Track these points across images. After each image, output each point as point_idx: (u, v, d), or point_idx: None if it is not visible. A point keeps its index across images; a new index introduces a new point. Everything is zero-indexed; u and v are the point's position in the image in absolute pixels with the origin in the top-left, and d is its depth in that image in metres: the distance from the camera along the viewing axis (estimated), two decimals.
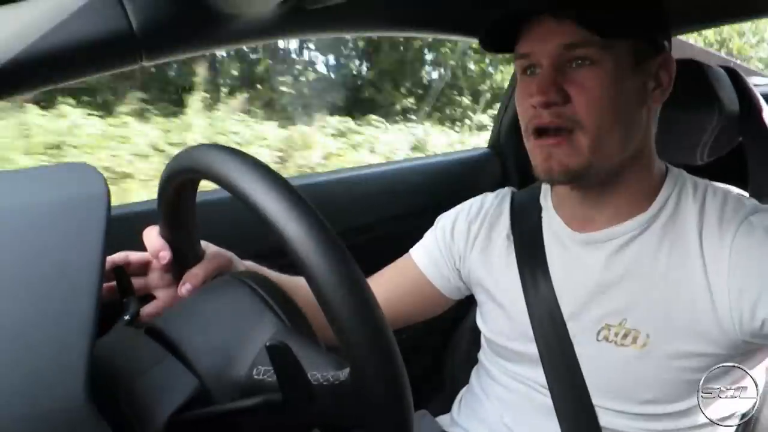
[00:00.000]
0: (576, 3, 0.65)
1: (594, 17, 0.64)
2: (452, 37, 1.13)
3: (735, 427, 0.73)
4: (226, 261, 0.72)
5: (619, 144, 0.68)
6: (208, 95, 4.37)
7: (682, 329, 0.67)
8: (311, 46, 6.17)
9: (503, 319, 0.82)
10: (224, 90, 4.96)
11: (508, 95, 1.41)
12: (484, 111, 6.47)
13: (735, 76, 0.98)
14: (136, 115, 4.05)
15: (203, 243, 0.71)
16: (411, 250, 0.92)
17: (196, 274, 0.66)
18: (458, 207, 0.92)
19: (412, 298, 0.90)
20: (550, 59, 0.67)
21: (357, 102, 5.95)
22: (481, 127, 6.12)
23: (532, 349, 0.77)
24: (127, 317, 0.58)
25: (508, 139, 1.42)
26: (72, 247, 0.41)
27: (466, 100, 6.62)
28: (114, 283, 0.63)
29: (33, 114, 3.41)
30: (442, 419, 0.92)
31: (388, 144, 5.14)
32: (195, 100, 4.19)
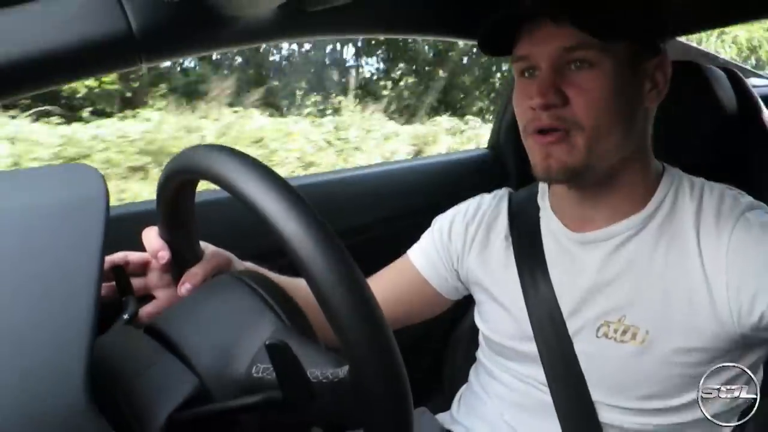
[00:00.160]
0: (574, 6, 0.65)
1: (592, 20, 0.64)
2: (452, 39, 1.13)
3: (734, 426, 0.74)
4: (226, 261, 0.72)
5: (616, 144, 0.69)
6: (358, 100, 5.71)
7: (681, 325, 0.67)
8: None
9: (502, 319, 0.82)
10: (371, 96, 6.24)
11: (508, 96, 1.41)
12: None
13: (734, 77, 0.98)
14: (311, 115, 5.36)
15: (202, 243, 0.71)
16: (408, 252, 0.92)
17: (195, 273, 0.66)
18: (455, 208, 0.92)
19: (411, 299, 0.90)
20: (549, 61, 0.67)
21: (445, 104, 6.72)
22: None
23: (532, 347, 0.77)
24: (126, 316, 0.58)
25: (507, 139, 1.42)
26: (71, 248, 0.41)
27: None
28: (113, 282, 0.63)
29: (228, 114, 4.65)
30: (442, 417, 0.92)
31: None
32: (349, 105, 5.62)
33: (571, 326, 0.75)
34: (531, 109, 0.69)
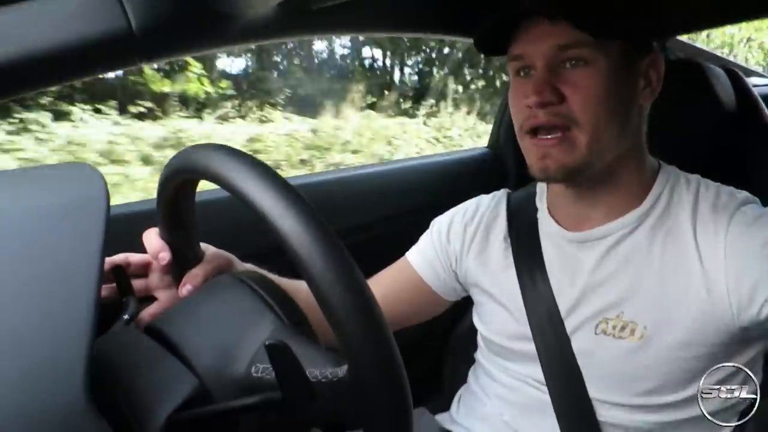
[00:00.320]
0: (569, 5, 0.66)
1: (587, 18, 0.65)
2: (449, 37, 1.14)
3: (734, 426, 0.74)
4: (226, 262, 0.72)
5: (613, 141, 0.70)
6: (433, 101, 5.96)
7: (680, 320, 0.68)
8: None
9: (501, 319, 0.82)
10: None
11: (507, 96, 1.41)
12: None
13: (734, 76, 0.98)
14: (399, 114, 5.72)
15: (203, 244, 0.71)
16: (407, 253, 0.92)
17: (196, 274, 0.66)
18: (453, 209, 0.92)
19: (410, 300, 0.90)
20: (545, 60, 0.68)
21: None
22: None
23: (530, 347, 0.77)
24: (126, 317, 0.58)
25: (507, 139, 1.42)
26: (71, 248, 0.41)
27: None
28: (113, 284, 0.63)
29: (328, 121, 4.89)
30: (442, 417, 0.92)
31: None
32: (425, 106, 5.88)
33: (570, 324, 0.75)
34: (527, 108, 0.69)
